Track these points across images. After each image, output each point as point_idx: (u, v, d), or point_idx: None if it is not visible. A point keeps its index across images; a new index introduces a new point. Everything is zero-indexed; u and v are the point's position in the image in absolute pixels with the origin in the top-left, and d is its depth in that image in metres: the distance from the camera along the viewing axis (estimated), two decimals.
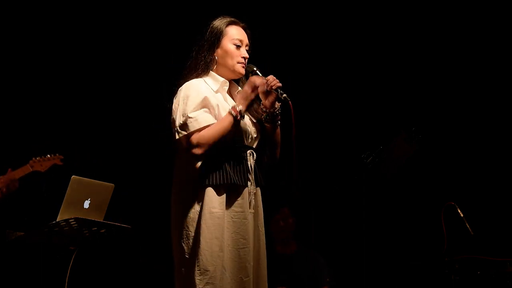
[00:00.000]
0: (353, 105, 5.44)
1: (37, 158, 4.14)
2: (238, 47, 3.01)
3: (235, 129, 2.88)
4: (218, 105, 2.93)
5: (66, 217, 3.68)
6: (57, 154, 4.22)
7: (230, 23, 3.05)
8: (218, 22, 3.04)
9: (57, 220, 3.66)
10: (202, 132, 2.83)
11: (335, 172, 5.32)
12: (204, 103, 2.89)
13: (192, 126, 2.83)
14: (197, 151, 2.82)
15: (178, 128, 2.86)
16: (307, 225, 5.17)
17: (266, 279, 2.98)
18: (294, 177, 2.94)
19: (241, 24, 3.08)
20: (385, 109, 5.32)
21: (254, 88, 2.91)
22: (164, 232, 3.00)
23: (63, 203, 3.72)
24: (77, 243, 3.94)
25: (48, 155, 4.18)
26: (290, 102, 2.89)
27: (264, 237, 3.00)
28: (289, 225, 4.96)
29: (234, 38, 3.01)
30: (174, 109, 2.90)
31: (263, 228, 3.01)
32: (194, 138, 2.82)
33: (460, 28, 5.15)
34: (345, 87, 5.44)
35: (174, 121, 2.88)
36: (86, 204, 3.81)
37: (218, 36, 3.00)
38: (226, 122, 2.86)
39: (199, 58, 3.00)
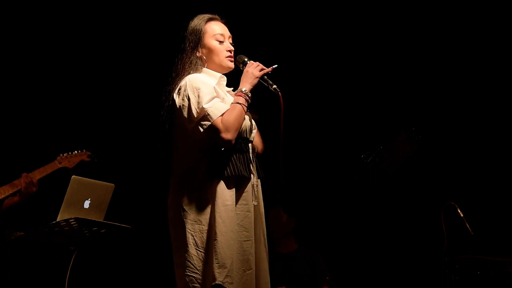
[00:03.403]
0: (353, 105, 5.44)
1: (65, 155, 4.06)
2: (221, 42, 3.01)
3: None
4: (223, 98, 2.93)
5: (66, 217, 3.67)
6: (84, 150, 4.15)
7: (208, 20, 3.04)
8: (196, 22, 3.03)
9: (57, 220, 3.65)
10: (224, 117, 2.82)
11: (335, 172, 5.31)
12: (215, 93, 2.89)
13: (214, 114, 2.82)
14: (227, 135, 2.81)
15: (199, 121, 2.83)
16: (307, 225, 5.16)
17: (268, 273, 2.99)
18: (280, 175, 2.93)
19: (219, 18, 3.07)
20: (385, 109, 5.32)
21: (257, 69, 2.94)
22: (164, 232, 3.00)
23: (63, 203, 3.71)
24: (77, 243, 3.94)
25: (75, 151, 4.10)
26: (280, 93, 2.93)
27: (265, 229, 3.01)
28: (283, 225, 4.93)
29: (215, 34, 3.01)
30: (185, 104, 2.86)
31: (264, 220, 3.02)
32: (219, 124, 2.81)
33: (460, 28, 5.15)
34: (345, 87, 5.44)
35: (191, 116, 2.84)
36: (86, 204, 3.80)
37: (199, 36, 2.99)
38: (238, 106, 2.86)
39: (185, 62, 2.98)
